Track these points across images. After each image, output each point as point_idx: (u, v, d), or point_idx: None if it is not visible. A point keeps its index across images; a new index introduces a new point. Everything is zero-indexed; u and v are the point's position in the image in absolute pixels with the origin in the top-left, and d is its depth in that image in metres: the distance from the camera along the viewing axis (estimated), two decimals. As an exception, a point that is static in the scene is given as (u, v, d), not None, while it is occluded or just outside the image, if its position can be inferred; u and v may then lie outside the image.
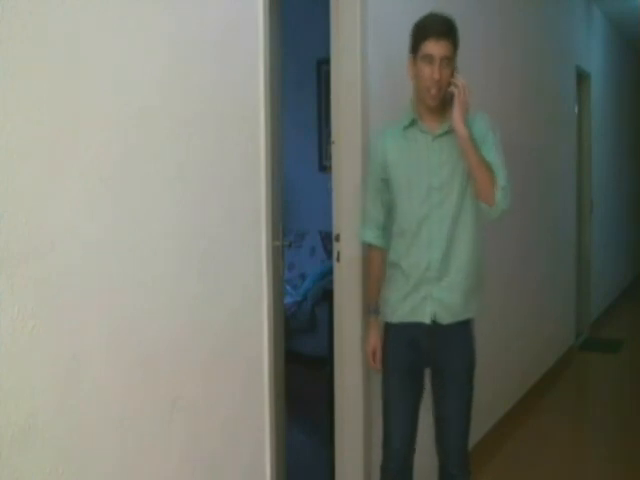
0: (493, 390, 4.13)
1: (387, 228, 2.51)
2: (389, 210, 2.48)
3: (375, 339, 2.51)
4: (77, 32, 1.56)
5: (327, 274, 4.91)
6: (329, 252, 2.66)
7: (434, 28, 2.21)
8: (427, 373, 2.51)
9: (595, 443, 4.26)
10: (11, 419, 1.42)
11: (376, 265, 2.54)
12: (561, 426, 4.51)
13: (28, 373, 1.46)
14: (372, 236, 2.51)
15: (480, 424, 3.89)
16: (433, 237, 2.34)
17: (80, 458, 1.58)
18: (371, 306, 2.54)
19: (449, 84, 2.24)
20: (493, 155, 2.31)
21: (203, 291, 1.96)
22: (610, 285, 7.88)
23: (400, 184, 2.39)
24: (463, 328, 2.42)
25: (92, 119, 1.60)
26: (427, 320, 2.37)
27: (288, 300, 5.14)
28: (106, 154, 1.64)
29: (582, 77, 6.49)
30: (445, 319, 2.37)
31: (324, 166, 5.72)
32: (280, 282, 2.44)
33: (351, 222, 2.70)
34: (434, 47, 2.20)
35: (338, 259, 2.75)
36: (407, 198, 2.38)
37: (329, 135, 2.83)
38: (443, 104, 2.30)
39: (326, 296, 3.97)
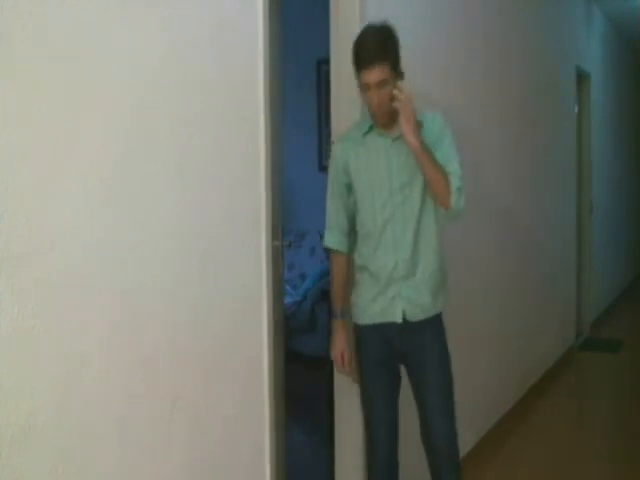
0: (493, 390, 4.13)
1: (350, 233, 2.53)
2: (352, 215, 2.51)
3: (342, 342, 2.52)
4: (77, 32, 1.56)
5: (327, 274, 4.91)
6: (329, 252, 2.67)
7: (363, 57, 2.23)
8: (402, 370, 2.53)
9: (595, 443, 4.26)
10: (11, 419, 1.42)
11: (340, 269, 2.56)
12: (561, 426, 4.51)
13: (28, 373, 1.46)
14: (335, 241, 2.53)
15: (480, 424, 3.89)
16: (398, 237, 2.38)
17: (80, 458, 1.58)
18: (337, 310, 2.55)
19: (392, 98, 2.26)
20: (446, 153, 2.36)
21: (203, 291, 1.96)
22: (610, 285, 7.88)
23: (363, 188, 2.42)
24: (433, 323, 2.45)
25: (92, 119, 1.60)
26: (398, 319, 2.40)
27: (288, 300, 5.14)
28: (106, 154, 1.64)
29: (582, 77, 6.48)
30: (415, 316, 2.41)
31: (324, 166, 5.72)
32: (280, 282, 2.43)
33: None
34: (367, 76, 2.23)
35: (338, 259, 2.75)
36: (370, 201, 2.41)
37: (329, 135, 2.83)
38: (393, 115, 2.33)
39: (326, 296, 3.97)
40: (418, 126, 2.28)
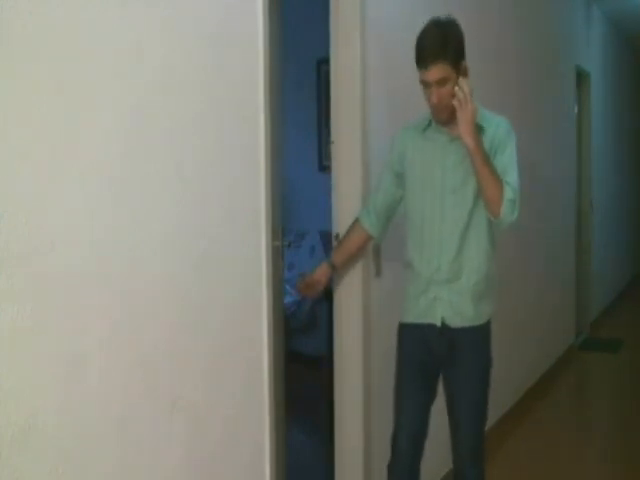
0: (493, 390, 4.13)
1: (382, 219, 2.53)
2: (392, 205, 2.51)
3: (319, 276, 2.57)
4: (77, 32, 1.56)
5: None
6: (329, 252, 2.67)
7: (423, 56, 2.21)
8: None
9: (595, 443, 4.26)
10: (11, 419, 1.41)
11: (354, 239, 2.58)
12: (561, 426, 4.51)
13: (28, 373, 1.46)
14: (364, 217, 2.54)
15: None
16: (444, 239, 2.34)
17: (80, 458, 1.58)
18: (331, 262, 2.59)
19: (453, 96, 2.22)
20: (505, 164, 2.28)
21: (203, 291, 1.96)
22: (609, 285, 7.88)
23: (414, 182, 2.40)
24: (475, 332, 2.39)
25: (92, 119, 1.60)
26: (437, 322, 2.37)
27: (288, 299, 5.14)
28: (106, 154, 1.64)
29: (582, 76, 6.48)
30: (454, 322, 2.36)
31: (324, 166, 5.71)
32: (280, 282, 2.44)
33: (351, 222, 2.70)
34: (426, 75, 2.22)
35: (338, 259, 2.75)
36: (420, 197, 2.38)
37: (329, 135, 2.83)
38: (454, 112, 2.26)
39: (326, 295, 3.97)
40: (477, 128, 2.23)
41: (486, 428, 3.93)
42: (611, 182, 7.92)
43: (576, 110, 6.38)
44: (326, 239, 5.57)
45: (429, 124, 2.40)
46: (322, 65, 5.64)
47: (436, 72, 2.20)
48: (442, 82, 2.21)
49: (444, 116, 2.30)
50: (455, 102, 2.21)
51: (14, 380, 1.42)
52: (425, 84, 2.24)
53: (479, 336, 2.41)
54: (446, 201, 2.34)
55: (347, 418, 2.77)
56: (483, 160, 2.21)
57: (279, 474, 2.34)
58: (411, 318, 2.44)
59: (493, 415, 4.11)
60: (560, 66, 5.75)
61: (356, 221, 2.57)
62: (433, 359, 2.42)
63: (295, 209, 5.48)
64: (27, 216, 1.44)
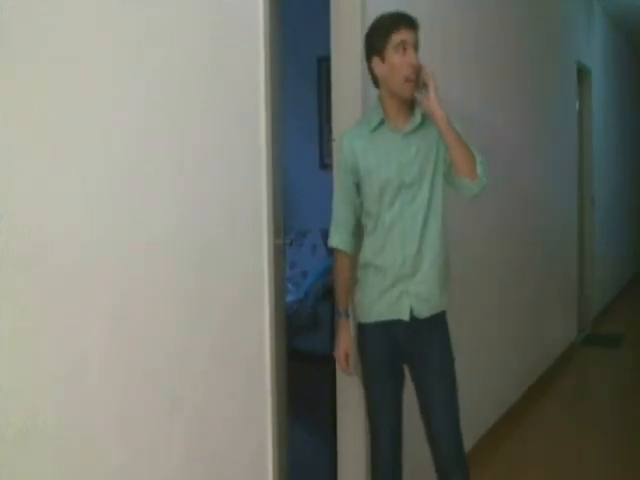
0: (494, 387, 4.13)
1: (356, 232, 2.51)
2: (360, 214, 2.48)
3: (346, 342, 2.51)
4: (77, 32, 1.55)
5: (328, 272, 4.91)
6: (330, 250, 2.66)
7: (404, 18, 2.27)
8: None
9: (597, 440, 4.26)
10: (12, 419, 1.41)
11: (345, 269, 2.53)
12: (563, 422, 4.51)
13: (28, 373, 1.45)
14: (341, 240, 2.50)
15: (482, 420, 3.89)
16: (406, 233, 2.36)
17: (80, 458, 1.58)
18: (341, 309, 2.53)
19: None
20: (463, 135, 2.33)
21: (204, 290, 1.95)
22: (611, 281, 7.88)
23: (372, 185, 2.39)
24: (439, 321, 2.44)
25: (92, 119, 1.60)
26: (405, 316, 2.38)
27: (289, 298, 5.13)
28: (106, 154, 1.63)
29: (583, 73, 6.47)
30: (423, 313, 2.39)
31: (325, 164, 5.71)
32: (281, 280, 2.43)
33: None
34: (407, 34, 2.25)
35: (339, 257, 2.74)
36: (379, 198, 2.38)
37: (330, 132, 2.82)
38: (408, 101, 2.34)
39: (327, 294, 3.97)
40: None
41: (487, 426, 3.95)
42: (612, 179, 7.91)
43: (577, 106, 6.37)
44: (327, 237, 5.58)
45: (380, 124, 2.38)
46: (323, 63, 5.64)
47: (415, 35, 2.26)
48: (416, 49, 2.27)
49: (415, 89, 2.30)
50: (428, 70, 2.25)
51: (15, 380, 1.42)
52: (403, 45, 2.25)
53: (443, 323, 2.45)
54: (404, 198, 2.36)
55: (349, 417, 2.76)
56: (453, 128, 2.26)
57: (281, 474, 2.34)
58: (374, 317, 2.43)
59: (496, 411, 4.12)
60: (561, 62, 5.74)
61: (337, 254, 2.54)
62: (399, 353, 2.44)
63: (296, 207, 5.48)
64: (27, 216, 1.44)
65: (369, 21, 2.74)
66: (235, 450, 2.09)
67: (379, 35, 2.29)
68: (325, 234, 5.70)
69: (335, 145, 2.75)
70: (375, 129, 2.39)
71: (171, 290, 1.84)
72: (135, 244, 1.72)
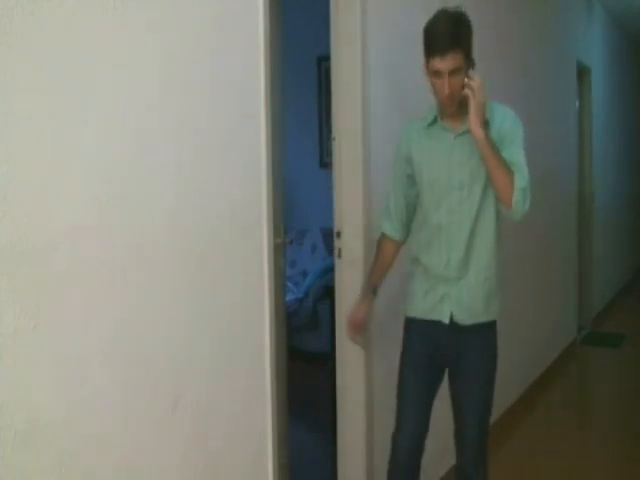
0: (496, 385, 4.13)
1: (409, 223, 2.51)
2: (412, 204, 2.48)
3: (362, 310, 2.50)
4: (77, 32, 1.55)
5: (328, 271, 4.92)
6: (330, 249, 2.65)
7: (437, 45, 2.16)
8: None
9: (597, 438, 4.26)
10: (13, 419, 1.41)
11: (387, 253, 2.53)
12: (563, 420, 4.51)
13: (30, 373, 1.45)
14: (392, 228, 2.51)
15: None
16: (453, 236, 2.33)
17: (82, 458, 1.58)
18: (370, 284, 2.53)
19: (463, 87, 2.20)
20: (514, 154, 2.25)
21: (204, 289, 1.95)
22: (612, 280, 7.88)
23: (422, 181, 2.38)
24: (483, 330, 2.39)
25: (92, 119, 1.60)
26: (446, 320, 2.35)
27: (290, 297, 5.14)
28: (106, 154, 1.63)
29: (583, 71, 6.47)
30: (463, 320, 2.35)
31: (325, 163, 5.71)
32: (281, 279, 2.43)
33: (352, 219, 2.69)
34: (440, 64, 2.16)
35: (339, 256, 2.75)
36: (429, 195, 2.37)
37: (330, 131, 2.82)
38: (461, 105, 2.25)
39: (327, 293, 3.96)
40: (485, 119, 2.21)
41: (490, 423, 3.94)
42: (613, 177, 7.91)
43: (577, 105, 6.36)
44: (327, 236, 5.58)
45: (435, 120, 2.36)
46: (323, 62, 5.64)
47: (451, 61, 2.15)
48: (455, 72, 2.17)
49: (454, 108, 2.26)
50: (468, 92, 2.18)
51: (16, 380, 1.42)
52: (437, 74, 2.18)
53: (487, 334, 2.40)
54: (453, 199, 2.32)
55: (349, 416, 2.76)
56: (492, 150, 2.18)
57: (282, 472, 2.34)
58: (419, 314, 2.42)
59: (497, 410, 4.12)
60: (561, 61, 5.73)
61: (383, 237, 2.54)
62: (439, 355, 2.41)
63: (296, 206, 5.48)
64: (27, 216, 1.44)
65: (369, 21, 2.74)
66: (236, 449, 2.09)
67: (424, 48, 2.22)
68: (325, 233, 5.73)
69: (335, 144, 2.75)
70: (430, 125, 2.38)
71: (171, 289, 1.84)
72: (135, 244, 1.72)
